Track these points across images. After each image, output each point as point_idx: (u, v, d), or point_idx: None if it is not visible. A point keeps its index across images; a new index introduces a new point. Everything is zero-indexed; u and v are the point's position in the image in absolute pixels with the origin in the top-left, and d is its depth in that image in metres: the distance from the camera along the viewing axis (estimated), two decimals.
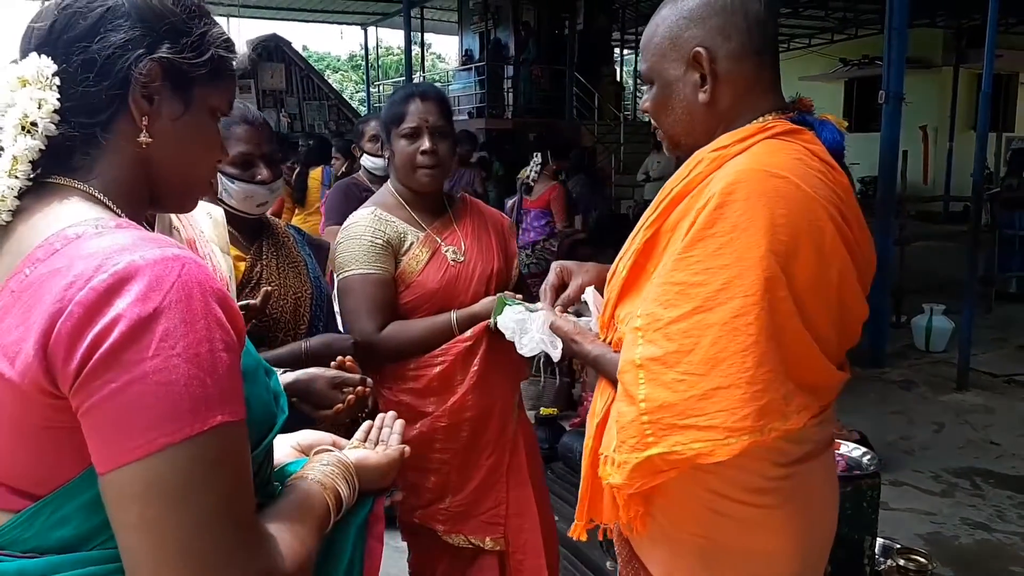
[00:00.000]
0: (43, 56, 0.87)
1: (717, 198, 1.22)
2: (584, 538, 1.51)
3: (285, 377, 1.57)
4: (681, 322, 1.21)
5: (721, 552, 1.36)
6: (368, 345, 2.05)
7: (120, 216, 0.88)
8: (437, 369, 2.09)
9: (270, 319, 1.97)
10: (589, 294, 1.63)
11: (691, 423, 1.18)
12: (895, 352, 6.49)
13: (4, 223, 0.85)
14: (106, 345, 0.72)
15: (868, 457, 2.67)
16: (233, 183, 1.96)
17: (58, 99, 0.86)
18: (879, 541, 2.77)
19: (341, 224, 2.27)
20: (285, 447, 1.15)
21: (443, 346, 2.09)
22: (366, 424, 1.25)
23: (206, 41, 0.94)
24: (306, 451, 1.14)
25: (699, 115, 1.39)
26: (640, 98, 1.56)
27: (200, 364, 0.74)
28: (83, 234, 0.80)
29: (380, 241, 2.13)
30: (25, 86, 0.86)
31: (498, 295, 1.80)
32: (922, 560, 2.87)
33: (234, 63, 1.00)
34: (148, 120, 0.90)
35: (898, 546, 2.94)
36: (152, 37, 0.89)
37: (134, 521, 0.74)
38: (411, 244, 2.16)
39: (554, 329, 1.60)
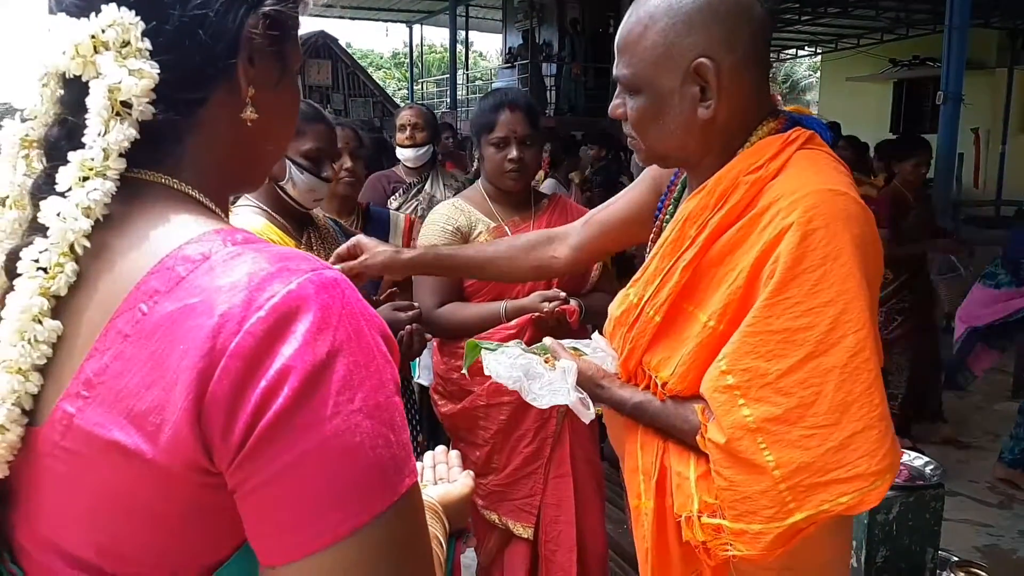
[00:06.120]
0: (123, 9, 0.65)
1: (798, 229, 1.14)
2: None
3: None
4: (795, 373, 1.13)
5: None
6: (427, 319, 2.26)
7: (222, 218, 0.71)
8: None
9: None
10: (600, 340, 1.48)
11: (833, 477, 1.10)
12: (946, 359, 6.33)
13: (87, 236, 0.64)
14: (274, 408, 0.56)
15: (931, 467, 2.60)
16: (303, 174, 1.94)
17: (157, 71, 0.65)
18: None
19: None
20: None
21: (489, 331, 2.22)
22: (416, 466, 1.09)
23: None
24: None
25: (696, 131, 1.27)
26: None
27: (381, 417, 0.59)
28: (210, 254, 0.61)
29: (451, 227, 2.32)
30: (100, 51, 0.64)
31: (468, 340, 1.69)
32: (981, 574, 2.80)
33: None
34: (254, 90, 0.71)
35: (955, 559, 2.86)
36: None
37: None
38: (480, 232, 2.33)
39: (578, 375, 1.41)
